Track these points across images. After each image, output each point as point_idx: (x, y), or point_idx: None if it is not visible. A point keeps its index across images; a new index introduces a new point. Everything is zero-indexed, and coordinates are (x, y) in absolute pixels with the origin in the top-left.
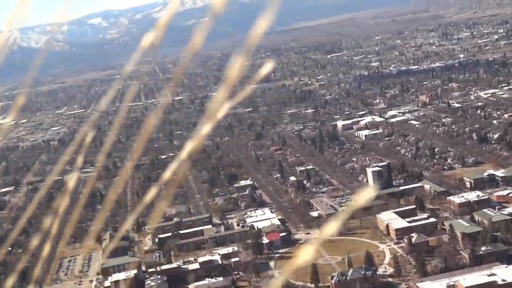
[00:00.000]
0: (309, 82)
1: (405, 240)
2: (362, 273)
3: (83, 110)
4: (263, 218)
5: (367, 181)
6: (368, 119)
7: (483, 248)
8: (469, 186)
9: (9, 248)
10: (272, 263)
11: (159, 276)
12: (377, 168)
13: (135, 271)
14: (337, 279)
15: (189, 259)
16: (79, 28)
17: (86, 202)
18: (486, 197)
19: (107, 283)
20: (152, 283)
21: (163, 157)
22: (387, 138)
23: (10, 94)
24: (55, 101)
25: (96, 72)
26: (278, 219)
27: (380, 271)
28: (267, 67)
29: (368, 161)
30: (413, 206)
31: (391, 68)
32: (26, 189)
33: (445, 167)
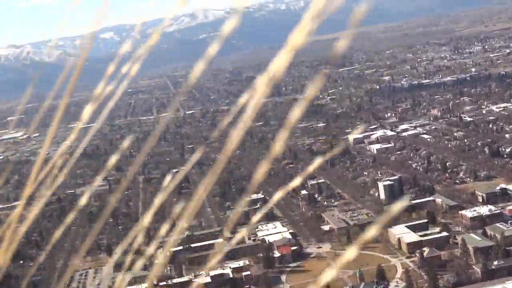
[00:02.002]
0: (321, 96)
1: (417, 254)
2: (374, 287)
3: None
4: (274, 232)
5: (378, 195)
6: (379, 133)
7: (495, 263)
8: (481, 200)
9: (21, 261)
10: (283, 277)
11: None
12: (388, 182)
13: (146, 284)
14: None
15: (201, 273)
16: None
17: (98, 216)
18: (499, 211)
19: None
20: None
21: (174, 170)
22: (398, 152)
23: (23, 108)
24: (68, 115)
25: (108, 87)
26: (289, 232)
27: (392, 285)
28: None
29: (379, 175)
30: (425, 220)
31: (402, 82)
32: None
33: (457, 181)
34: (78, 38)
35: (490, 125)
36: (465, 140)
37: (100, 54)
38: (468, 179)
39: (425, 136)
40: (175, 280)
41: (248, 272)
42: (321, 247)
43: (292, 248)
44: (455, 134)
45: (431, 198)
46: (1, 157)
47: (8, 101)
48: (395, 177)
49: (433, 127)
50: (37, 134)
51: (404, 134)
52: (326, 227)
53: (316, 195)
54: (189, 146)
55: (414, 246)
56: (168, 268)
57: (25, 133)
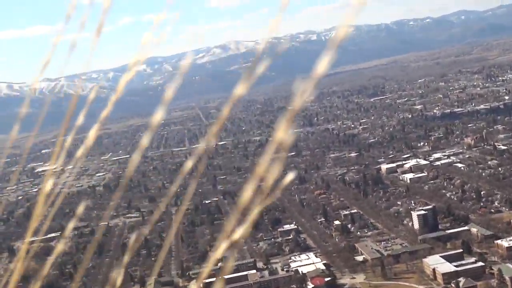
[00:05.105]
0: (353, 125)
1: (453, 285)
2: None
3: (128, 156)
4: (308, 263)
5: (412, 224)
6: (412, 162)
7: None
8: None
9: None
10: None
11: None
12: (422, 212)
13: None
14: None
15: None
16: (124, 75)
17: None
18: None
19: None
20: None
21: (207, 202)
22: (432, 181)
23: (57, 140)
24: (100, 147)
25: (140, 118)
26: (323, 263)
27: None
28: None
29: (413, 205)
30: (460, 250)
31: (435, 111)
32: (72, 235)
33: (492, 210)
34: (112, 70)
35: None
36: (500, 169)
37: (132, 86)
38: (504, 208)
39: (459, 165)
40: None
41: None
42: (355, 278)
43: (326, 279)
44: (489, 162)
45: (466, 228)
46: (36, 190)
47: (43, 134)
48: (429, 207)
49: (467, 156)
50: (70, 166)
51: (438, 163)
52: (360, 258)
53: (349, 226)
54: (222, 178)
55: (449, 277)
56: None
57: (58, 165)
